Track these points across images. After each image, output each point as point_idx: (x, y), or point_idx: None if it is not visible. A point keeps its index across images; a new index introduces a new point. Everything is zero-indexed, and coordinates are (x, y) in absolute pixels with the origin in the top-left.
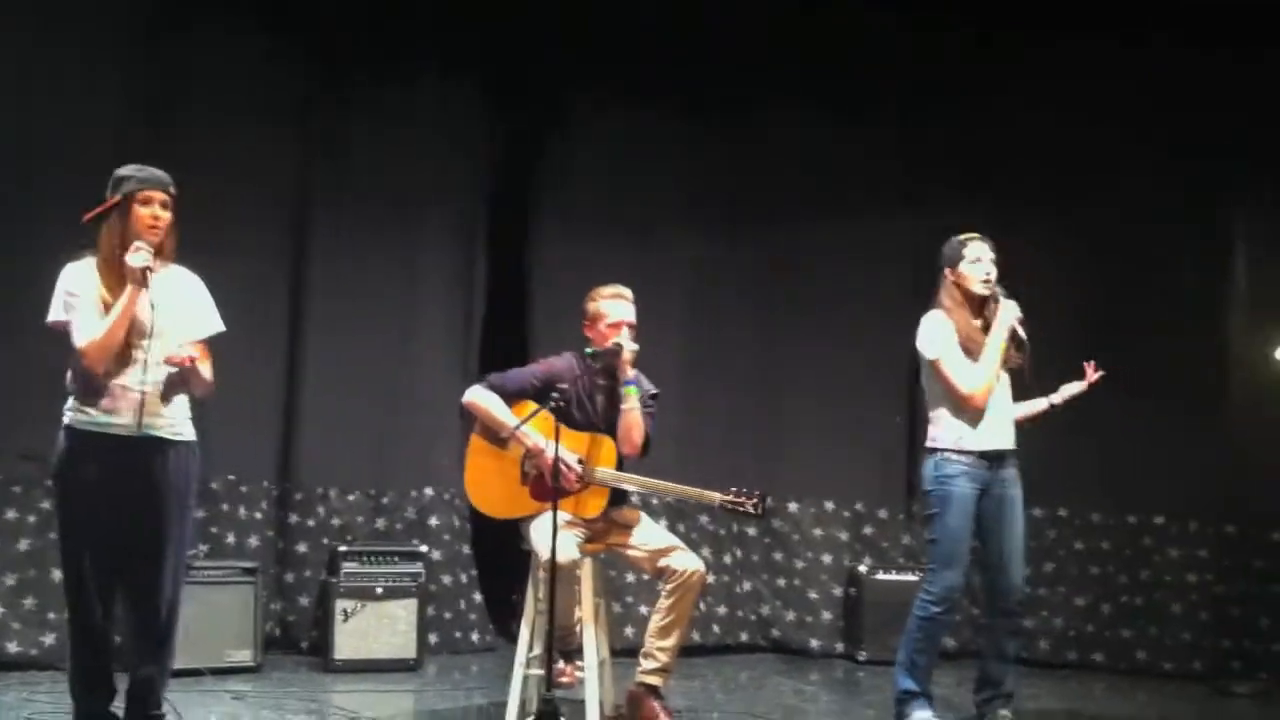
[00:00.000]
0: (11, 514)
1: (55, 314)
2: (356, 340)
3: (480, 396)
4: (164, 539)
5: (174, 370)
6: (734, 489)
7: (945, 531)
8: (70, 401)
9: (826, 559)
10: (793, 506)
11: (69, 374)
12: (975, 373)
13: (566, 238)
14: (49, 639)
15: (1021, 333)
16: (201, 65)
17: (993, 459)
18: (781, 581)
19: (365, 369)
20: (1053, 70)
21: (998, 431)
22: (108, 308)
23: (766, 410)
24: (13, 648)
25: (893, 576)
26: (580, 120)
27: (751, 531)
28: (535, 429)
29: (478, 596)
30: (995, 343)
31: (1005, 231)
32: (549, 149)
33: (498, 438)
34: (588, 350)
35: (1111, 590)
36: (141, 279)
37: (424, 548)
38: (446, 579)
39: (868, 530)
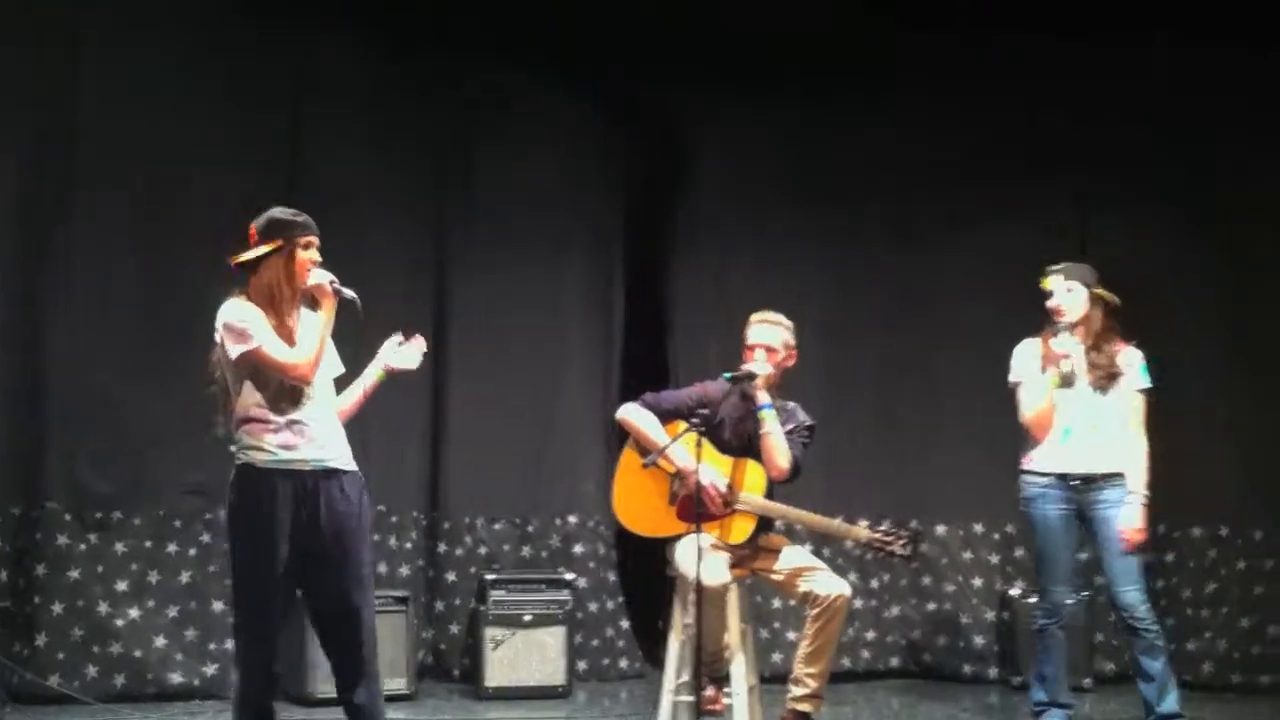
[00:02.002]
0: (173, 548)
1: (239, 346)
2: (498, 369)
3: (634, 414)
4: (360, 564)
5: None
6: (883, 528)
7: (1037, 549)
8: (246, 440)
9: (976, 582)
10: (940, 529)
11: (246, 412)
12: (1028, 405)
13: (700, 257)
14: (210, 669)
15: (1063, 369)
16: (340, 99)
17: (1078, 481)
18: (931, 606)
19: (507, 397)
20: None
21: (1077, 456)
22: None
23: (911, 432)
24: (176, 678)
25: None
26: (712, 159)
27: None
28: (687, 450)
29: (625, 623)
30: (1044, 380)
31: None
32: (684, 189)
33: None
34: (725, 374)
35: (1276, 610)
36: (332, 290)
37: (570, 575)
38: (593, 606)
39: (1018, 553)
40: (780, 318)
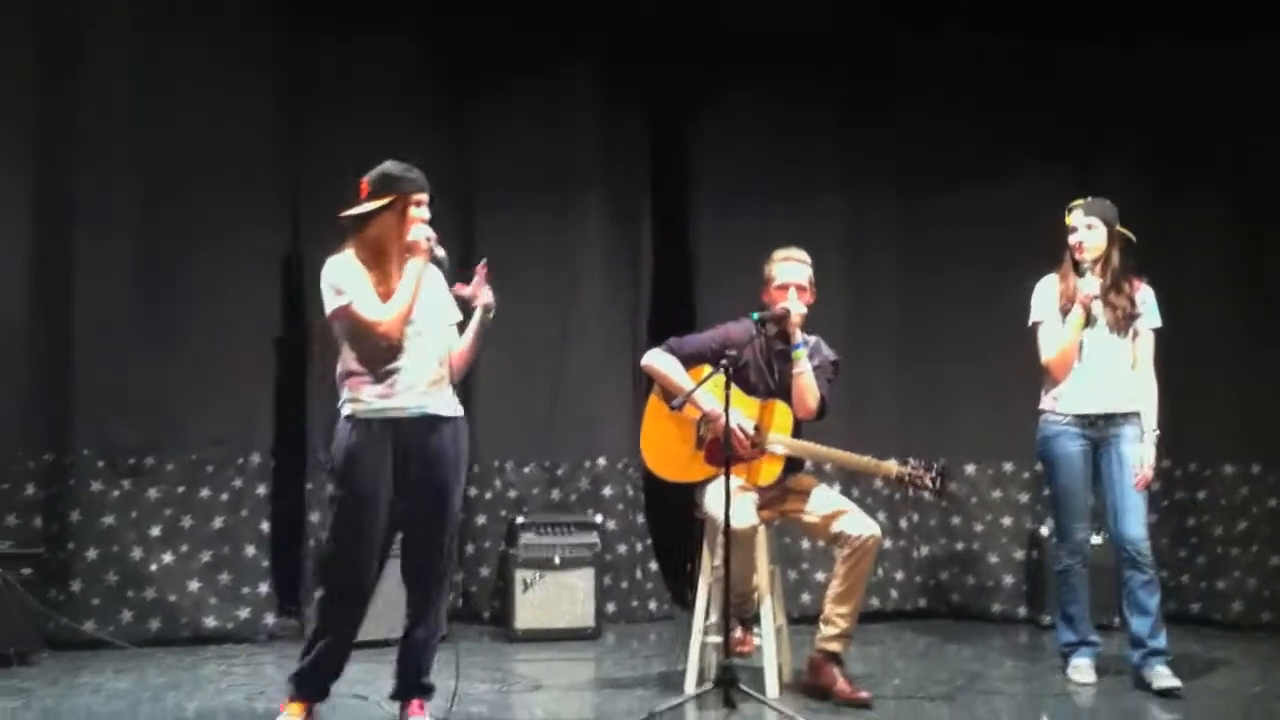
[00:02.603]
0: (205, 492)
1: (333, 303)
2: (525, 314)
3: (658, 360)
4: (446, 512)
5: (443, 356)
6: (912, 462)
7: (1056, 489)
8: (347, 392)
9: (1006, 521)
10: (970, 469)
11: (346, 366)
12: (1050, 344)
13: (724, 211)
14: (244, 613)
15: (1090, 312)
16: (358, 67)
17: (1096, 419)
18: (960, 545)
19: (536, 342)
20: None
21: (1099, 394)
22: (376, 293)
23: (939, 374)
24: (210, 622)
25: None
26: (732, 95)
27: (928, 495)
28: (712, 393)
29: (653, 565)
30: (1070, 320)
31: (1157, 197)
32: (704, 126)
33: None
34: (754, 314)
35: None
36: (428, 248)
37: (599, 518)
38: (622, 548)
39: (1048, 492)
40: (804, 254)
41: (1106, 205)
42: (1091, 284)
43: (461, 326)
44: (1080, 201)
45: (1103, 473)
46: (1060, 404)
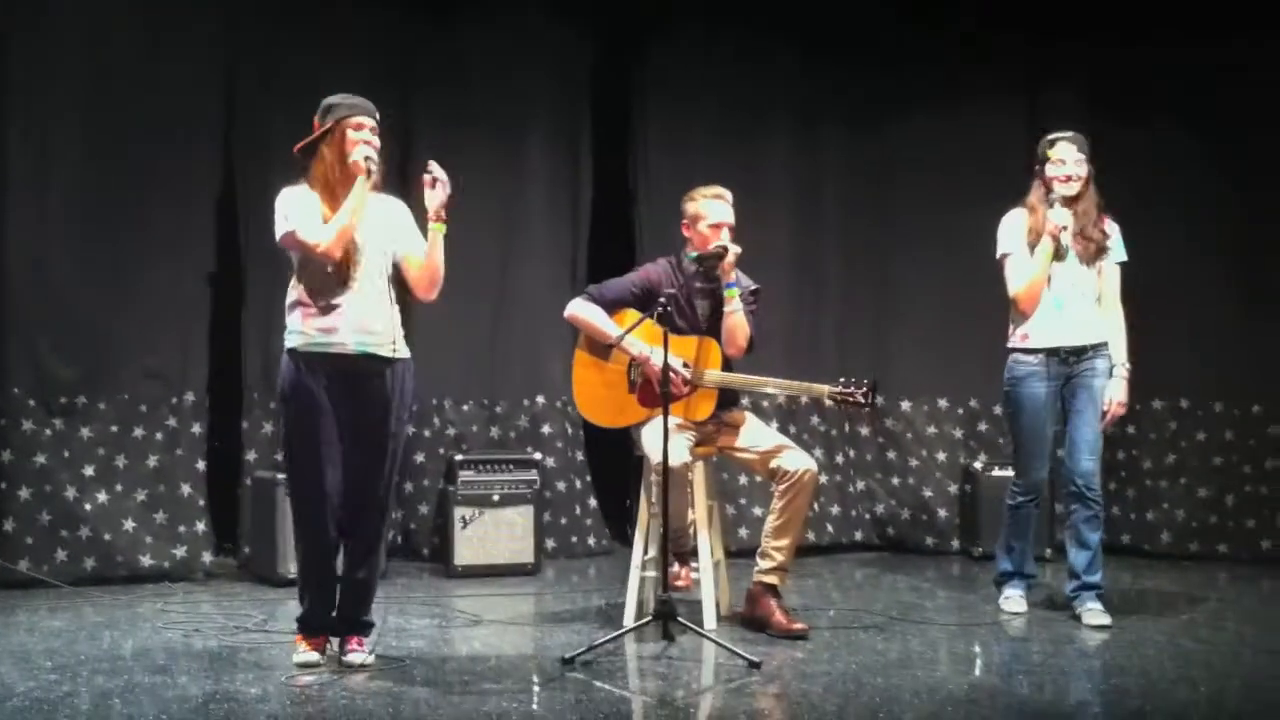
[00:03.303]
0: (139, 431)
1: (280, 230)
2: (464, 252)
3: (582, 309)
4: (384, 453)
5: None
6: (842, 380)
7: (1020, 430)
8: (291, 324)
9: (941, 456)
10: (905, 405)
11: (293, 295)
12: (1018, 276)
13: (670, 143)
14: (180, 551)
15: (1061, 243)
16: (295, 3)
17: (1068, 354)
18: (895, 480)
19: (474, 280)
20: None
21: (1070, 327)
22: (325, 221)
23: (876, 310)
24: (146, 560)
25: (1008, 473)
26: (681, 26)
27: (864, 431)
28: (638, 337)
29: (593, 502)
30: (1040, 251)
31: (1119, 135)
32: (651, 56)
33: (602, 349)
34: (691, 254)
35: (1235, 480)
36: (366, 168)
37: (538, 455)
38: (561, 485)
39: (982, 427)
40: (727, 192)
41: (1085, 140)
42: (1063, 215)
43: None
44: (1065, 134)
45: (1068, 406)
46: (1030, 340)
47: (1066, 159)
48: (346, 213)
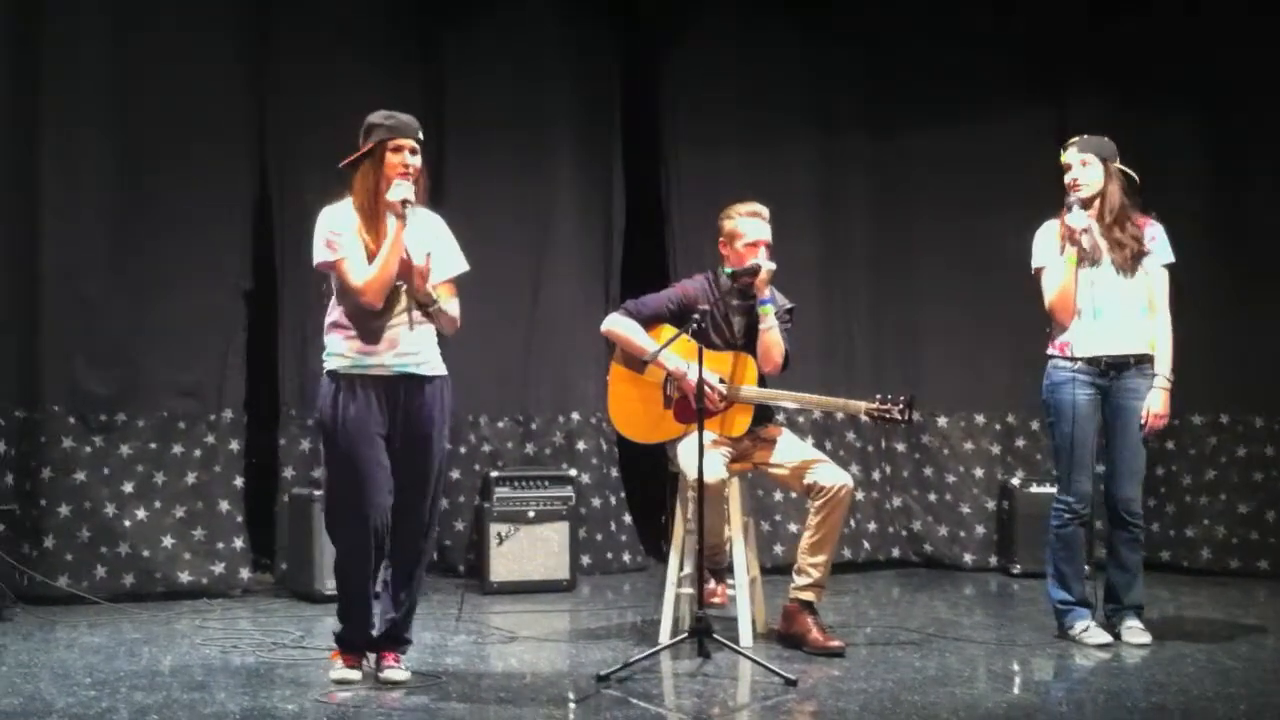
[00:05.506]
0: (178, 449)
1: (321, 256)
2: (497, 269)
3: (618, 324)
4: (428, 472)
5: (426, 308)
6: (879, 396)
7: (1062, 439)
8: (331, 346)
9: (978, 472)
10: (942, 421)
11: (332, 316)
12: (1050, 287)
13: (699, 150)
14: (218, 568)
15: (1081, 246)
16: (328, 9)
17: (1109, 365)
18: (932, 496)
19: (509, 297)
20: None
21: (1110, 336)
22: (367, 248)
23: (911, 323)
24: (184, 577)
25: (1046, 489)
26: (708, 30)
27: (900, 447)
28: (674, 352)
29: (627, 518)
30: (1063, 259)
31: (1140, 131)
32: (678, 62)
33: (638, 364)
34: (726, 270)
35: (1276, 496)
36: (402, 211)
37: (573, 471)
38: (596, 501)
39: (1020, 443)
40: (764, 209)
41: (1104, 142)
42: (1079, 218)
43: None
44: (1076, 139)
45: (1107, 424)
46: (1070, 349)
47: (1073, 162)
48: (388, 262)
